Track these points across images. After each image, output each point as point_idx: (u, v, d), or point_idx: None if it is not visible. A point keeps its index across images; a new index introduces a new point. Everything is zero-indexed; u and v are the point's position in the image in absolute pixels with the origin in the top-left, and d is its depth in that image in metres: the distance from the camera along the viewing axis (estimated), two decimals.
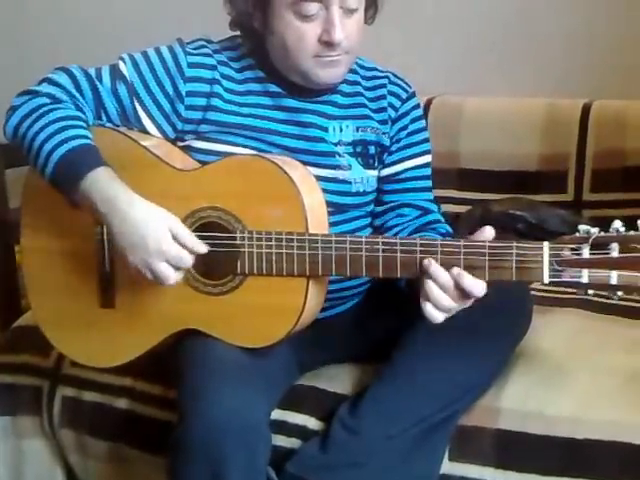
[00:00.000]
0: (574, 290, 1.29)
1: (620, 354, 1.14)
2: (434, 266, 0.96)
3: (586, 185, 1.59)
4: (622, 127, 1.57)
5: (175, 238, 1.01)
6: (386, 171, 1.16)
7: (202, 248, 1.02)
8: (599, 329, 1.22)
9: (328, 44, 1.04)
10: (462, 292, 0.96)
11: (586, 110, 1.60)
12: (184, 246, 1.01)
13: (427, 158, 1.18)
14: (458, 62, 1.83)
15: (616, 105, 1.61)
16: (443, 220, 1.17)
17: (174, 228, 1.01)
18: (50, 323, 1.15)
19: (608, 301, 1.27)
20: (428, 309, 0.96)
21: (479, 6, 1.81)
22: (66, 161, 1.02)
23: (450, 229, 1.16)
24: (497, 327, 1.07)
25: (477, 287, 0.95)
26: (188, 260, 1.01)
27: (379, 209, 1.17)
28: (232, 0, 1.09)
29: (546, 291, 1.33)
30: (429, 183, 1.19)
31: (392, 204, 1.16)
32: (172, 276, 1.01)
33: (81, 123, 1.06)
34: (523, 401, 1.07)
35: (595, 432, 1.02)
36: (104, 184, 1.01)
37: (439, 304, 0.95)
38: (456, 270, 0.95)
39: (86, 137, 1.05)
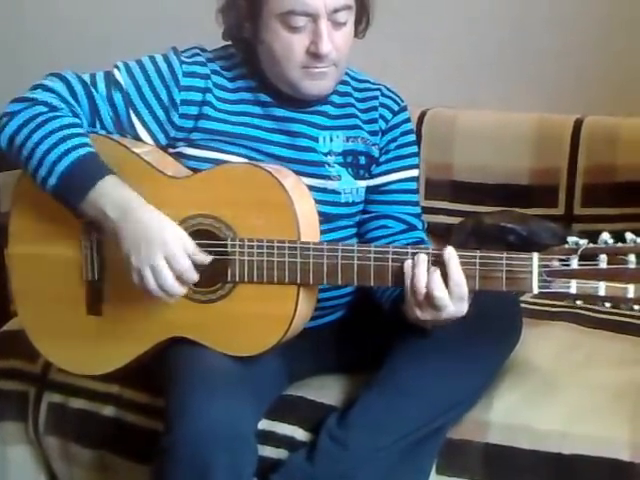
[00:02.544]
0: (564, 303, 1.31)
1: (609, 369, 1.15)
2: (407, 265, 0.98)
3: (577, 199, 1.60)
4: (613, 143, 1.58)
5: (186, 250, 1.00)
6: (372, 182, 1.17)
7: (204, 257, 1.01)
8: (588, 343, 1.22)
9: (315, 56, 1.05)
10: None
11: (578, 125, 1.61)
12: (190, 255, 1.00)
13: (414, 172, 1.19)
14: (452, 76, 1.85)
15: (607, 121, 1.62)
16: (426, 240, 1.17)
17: (181, 236, 1.01)
18: (37, 330, 1.14)
19: (598, 315, 1.29)
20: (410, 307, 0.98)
21: (474, 22, 1.83)
22: (72, 171, 1.02)
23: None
24: (487, 340, 1.07)
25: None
26: (187, 266, 1.00)
27: (361, 217, 1.17)
28: (224, 11, 1.10)
29: (536, 304, 1.34)
30: (415, 197, 1.19)
31: (375, 214, 1.16)
32: (170, 279, 0.99)
33: (80, 130, 1.06)
34: (512, 415, 1.07)
35: (583, 447, 1.02)
36: (115, 191, 1.02)
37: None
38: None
39: (88, 145, 1.04)
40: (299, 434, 1.10)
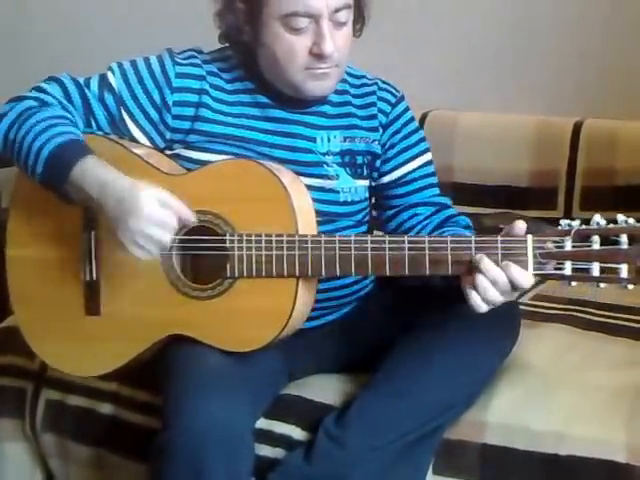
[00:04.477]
0: (559, 305, 1.31)
1: (605, 371, 1.15)
2: (485, 261, 0.97)
3: (576, 202, 1.61)
4: (612, 146, 1.59)
5: (163, 205, 1.00)
6: (388, 177, 1.17)
7: (190, 216, 1.01)
8: (585, 345, 1.22)
9: (319, 56, 1.05)
10: (510, 284, 0.97)
11: (577, 128, 1.62)
12: (171, 209, 0.99)
13: (427, 157, 1.19)
14: (453, 78, 1.85)
15: (607, 124, 1.63)
16: (458, 213, 1.18)
17: (161, 196, 1.00)
18: (34, 331, 1.14)
19: (593, 317, 1.30)
20: (474, 299, 0.98)
21: (475, 25, 1.83)
22: (56, 154, 1.02)
23: (469, 221, 1.16)
24: (484, 341, 1.07)
25: (523, 277, 0.97)
26: (173, 221, 0.99)
27: (390, 212, 1.18)
28: (222, 14, 1.10)
29: (534, 306, 1.34)
30: (434, 179, 1.19)
31: (403, 205, 1.17)
32: (165, 239, 0.99)
33: (67, 121, 1.06)
34: (509, 416, 1.07)
35: (579, 449, 1.02)
36: (95, 169, 1.02)
37: (487, 296, 0.97)
38: (504, 262, 0.97)
39: (73, 132, 1.05)
40: (297, 433, 1.10)
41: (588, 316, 1.29)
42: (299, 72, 1.07)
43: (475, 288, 0.97)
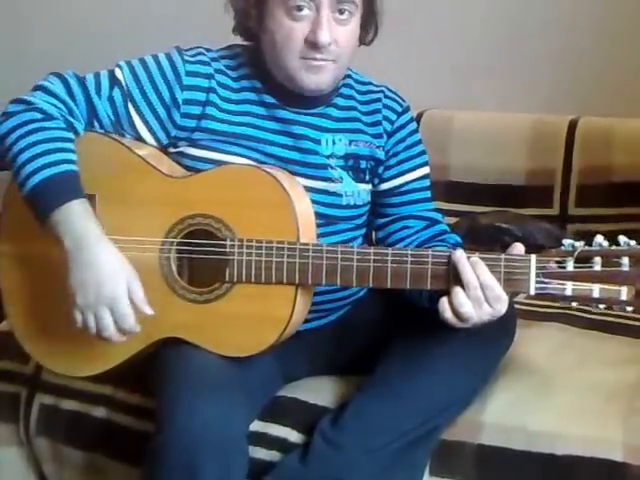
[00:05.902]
0: (556, 304, 1.31)
1: (602, 369, 1.15)
2: (463, 262, 0.96)
3: (571, 200, 1.60)
4: (608, 144, 1.59)
5: (129, 292, 1.00)
6: (386, 185, 1.17)
7: (148, 310, 1.01)
8: (582, 344, 1.22)
9: (314, 45, 1.04)
10: (481, 290, 0.96)
11: (572, 126, 1.62)
12: (133, 302, 1.00)
13: (426, 170, 1.19)
14: (449, 77, 1.85)
15: (602, 122, 1.62)
16: (449, 230, 1.17)
17: (131, 283, 1.00)
18: (27, 332, 1.13)
19: (590, 316, 1.30)
20: (442, 304, 0.97)
21: (470, 23, 1.83)
22: (43, 187, 1.01)
23: (459, 239, 1.16)
24: (480, 341, 1.06)
25: (490, 279, 0.95)
26: (132, 323, 1.00)
27: (381, 221, 1.18)
28: None
29: (529, 305, 1.34)
30: (429, 194, 1.19)
31: (395, 216, 1.17)
32: (112, 330, 1.00)
33: (68, 145, 1.04)
34: (505, 416, 1.07)
35: (576, 448, 1.02)
36: (76, 219, 1.01)
37: (455, 301, 0.96)
38: (473, 258, 0.96)
39: (70, 162, 1.03)
40: (292, 436, 1.10)
41: (585, 315, 1.29)
42: (294, 60, 1.06)
43: (450, 299, 0.96)
